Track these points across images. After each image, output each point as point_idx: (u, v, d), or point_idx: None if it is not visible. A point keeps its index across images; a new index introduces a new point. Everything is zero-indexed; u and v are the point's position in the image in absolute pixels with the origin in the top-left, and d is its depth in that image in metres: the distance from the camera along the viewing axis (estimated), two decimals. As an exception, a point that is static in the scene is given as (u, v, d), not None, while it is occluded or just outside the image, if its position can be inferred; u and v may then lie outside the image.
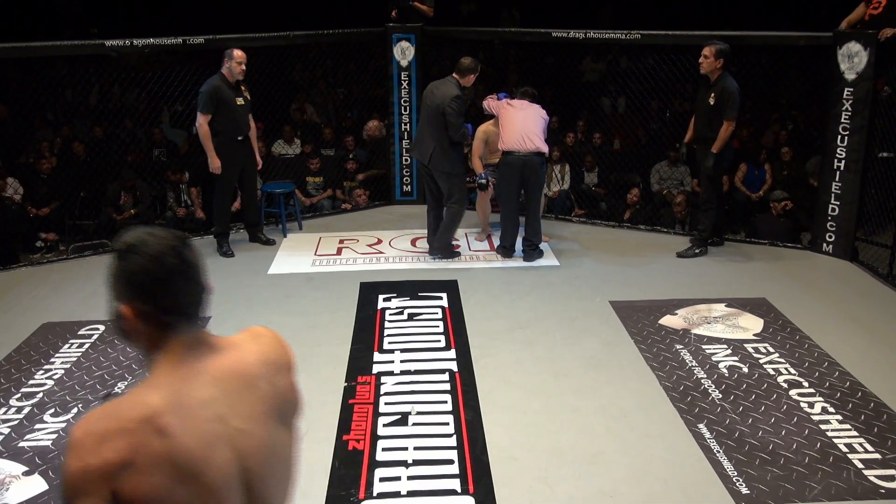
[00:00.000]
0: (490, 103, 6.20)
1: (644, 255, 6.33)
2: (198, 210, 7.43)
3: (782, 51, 7.17)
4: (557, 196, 7.88)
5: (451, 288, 5.56)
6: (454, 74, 5.87)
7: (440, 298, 5.37)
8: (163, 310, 1.39)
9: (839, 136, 6.04)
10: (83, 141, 8.20)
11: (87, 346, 4.68)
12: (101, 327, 4.94)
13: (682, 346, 4.63)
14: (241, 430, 1.41)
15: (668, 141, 7.96)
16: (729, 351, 4.56)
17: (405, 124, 7.57)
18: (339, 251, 6.45)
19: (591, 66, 10.36)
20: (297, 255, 6.34)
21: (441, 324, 4.95)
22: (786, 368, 4.36)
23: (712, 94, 5.87)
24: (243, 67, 6.01)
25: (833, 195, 6.15)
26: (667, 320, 5.00)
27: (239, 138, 6.09)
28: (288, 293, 5.55)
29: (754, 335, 4.78)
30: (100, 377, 4.27)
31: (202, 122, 5.93)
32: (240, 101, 6.06)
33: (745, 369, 4.34)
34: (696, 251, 6.24)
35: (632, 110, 8.53)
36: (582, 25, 7.03)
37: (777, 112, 9.04)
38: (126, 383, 4.22)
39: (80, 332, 4.87)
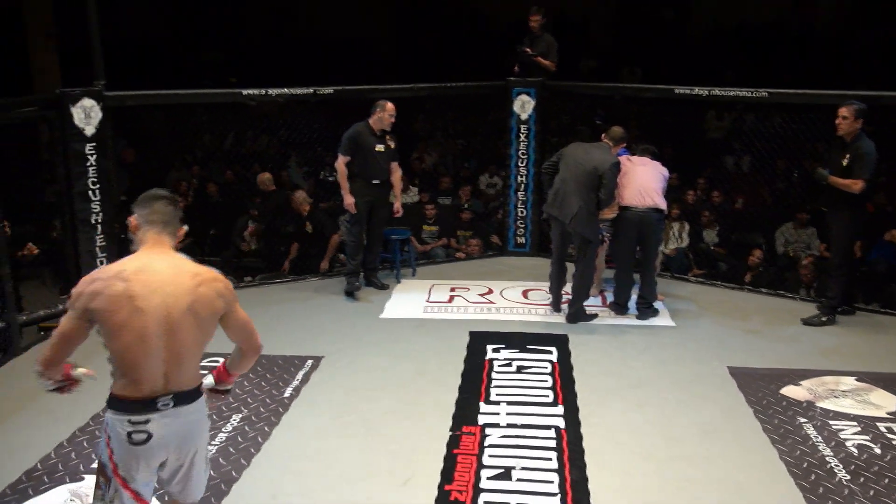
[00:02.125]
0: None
1: (766, 321, 6.04)
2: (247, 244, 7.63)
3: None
4: (674, 254, 7.67)
5: (560, 342, 5.47)
6: (605, 140, 5.88)
7: (549, 353, 5.29)
8: (145, 221, 2.56)
9: None
10: (217, 182, 8.67)
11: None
12: (221, 359, 5.13)
13: (805, 420, 4.35)
14: (171, 293, 2.45)
15: (795, 202, 7.63)
16: (858, 429, 4.25)
17: (521, 176, 7.60)
18: (450, 299, 6.50)
19: (714, 123, 10.14)
20: (409, 301, 6.43)
21: (549, 378, 4.87)
22: (924, 452, 4.02)
23: (846, 156, 5.60)
24: (393, 120, 6.35)
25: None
26: (790, 391, 4.73)
27: (374, 182, 6.33)
28: (398, 337, 5.62)
29: (888, 413, 4.44)
30: (216, 408, 4.44)
31: (339, 161, 6.32)
32: (380, 147, 6.33)
33: (877, 450, 4.03)
34: (824, 319, 5.90)
35: (756, 169, 8.25)
36: (706, 83, 6.91)
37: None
38: (241, 415, 4.37)
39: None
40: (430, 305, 6.34)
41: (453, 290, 6.73)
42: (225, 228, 7.88)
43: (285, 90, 6.72)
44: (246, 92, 6.60)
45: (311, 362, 5.13)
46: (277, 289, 6.84)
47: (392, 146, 6.44)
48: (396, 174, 6.52)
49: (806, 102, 6.57)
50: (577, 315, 5.93)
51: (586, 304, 6.01)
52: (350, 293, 6.47)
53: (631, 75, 12.96)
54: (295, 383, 4.81)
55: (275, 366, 5.05)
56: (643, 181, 5.80)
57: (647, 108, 8.30)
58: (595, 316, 6.01)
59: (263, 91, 6.62)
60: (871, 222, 6.77)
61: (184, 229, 2.63)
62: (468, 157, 9.64)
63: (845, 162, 5.60)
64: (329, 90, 6.84)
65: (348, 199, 6.30)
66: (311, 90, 6.78)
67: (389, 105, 6.33)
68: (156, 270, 2.46)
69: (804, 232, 7.58)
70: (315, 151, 7.96)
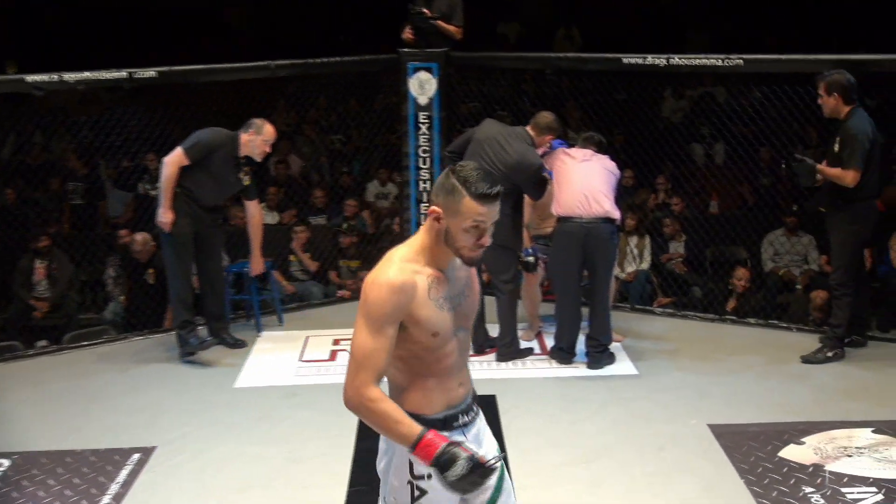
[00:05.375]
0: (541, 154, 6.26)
1: (756, 361, 6.24)
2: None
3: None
4: (634, 279, 7.85)
5: (486, 405, 5.40)
6: (530, 129, 6.05)
7: (472, 421, 5.30)
8: None
9: None
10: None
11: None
12: (6, 462, 4.95)
13: (813, 490, 4.51)
14: None
15: (785, 201, 7.94)
16: (881, 496, 4.42)
17: (424, 182, 7.65)
18: (332, 355, 6.47)
19: (671, 103, 10.49)
20: (275, 361, 6.37)
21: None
22: (963, 521, 4.23)
23: (837, 139, 5.89)
24: (268, 148, 6.36)
25: None
26: (790, 452, 4.89)
27: (205, 206, 6.31)
28: (263, 414, 5.55)
29: (916, 473, 4.66)
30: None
31: (174, 160, 6.15)
32: (237, 177, 6.31)
33: (905, 522, 4.22)
34: (829, 354, 6.15)
35: (734, 161, 8.57)
36: (664, 49, 7.14)
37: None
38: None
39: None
40: (306, 366, 6.30)
41: (337, 342, 6.71)
42: (5, 272, 7.62)
43: (87, 74, 6.61)
44: (30, 78, 6.47)
45: (137, 457, 5.00)
46: (88, 356, 6.66)
47: (247, 183, 6.43)
48: (256, 218, 6.53)
49: (792, 71, 6.86)
50: (511, 352, 6.09)
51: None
52: (189, 354, 6.32)
53: (568, 40, 13.26)
54: (115, 488, 4.68)
55: (84, 465, 4.90)
56: (587, 183, 5.92)
57: (588, 83, 8.50)
58: (530, 351, 6.26)
59: (56, 77, 6.49)
60: (882, 225, 7.09)
61: (434, 208, 2.68)
62: (350, 159, 9.65)
63: (836, 147, 5.90)
64: (151, 73, 6.77)
65: (167, 215, 6.15)
66: (124, 73, 6.68)
67: (270, 128, 6.29)
68: None
69: (798, 241, 7.89)
70: (133, 158, 7.82)
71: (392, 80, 7.71)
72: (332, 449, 5.02)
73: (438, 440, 2.56)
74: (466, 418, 2.83)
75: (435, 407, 2.75)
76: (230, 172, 6.28)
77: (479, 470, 2.54)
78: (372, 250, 8.27)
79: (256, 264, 6.62)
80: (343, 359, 6.37)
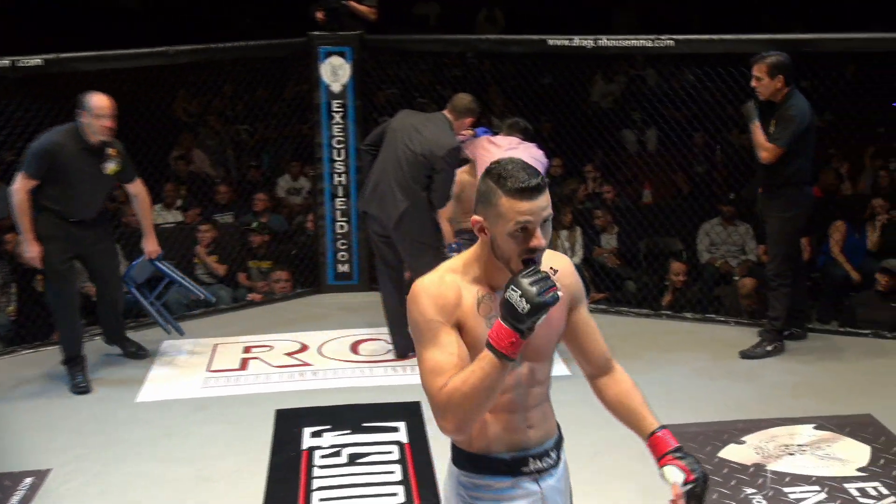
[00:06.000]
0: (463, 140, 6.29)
1: (694, 357, 6.35)
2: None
3: (876, 59, 7.39)
4: (565, 274, 7.91)
5: (412, 413, 5.50)
6: (447, 113, 6.12)
7: (396, 431, 5.32)
8: None
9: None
10: None
11: None
12: None
13: (754, 491, 4.59)
14: None
15: (721, 189, 8.07)
16: (824, 495, 4.53)
17: (339, 176, 7.62)
18: (243, 364, 6.43)
19: (604, 87, 10.61)
20: (180, 373, 6.31)
21: (399, 468, 4.89)
22: (908, 518, 4.35)
23: (773, 122, 6.01)
24: (106, 123, 5.81)
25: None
26: (730, 452, 4.97)
27: (74, 220, 5.97)
28: (168, 430, 5.49)
29: (858, 470, 4.76)
30: None
31: (19, 187, 5.80)
32: (104, 167, 5.94)
33: (849, 522, 4.32)
34: (768, 348, 6.27)
35: (667, 147, 8.70)
36: (591, 31, 7.20)
37: (874, 145, 9.24)
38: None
39: None
40: (214, 377, 6.25)
41: (248, 349, 6.67)
42: None
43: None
44: None
45: (29, 481, 4.90)
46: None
47: (120, 167, 6.03)
48: (141, 198, 6.25)
49: (725, 52, 6.97)
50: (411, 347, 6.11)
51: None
52: (81, 392, 6.04)
53: (490, 21, 13.34)
54: (6, 516, 4.60)
55: (-29, 491, 4.80)
56: (512, 172, 5.95)
57: (512, 67, 8.55)
58: None
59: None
60: (821, 213, 7.26)
61: (476, 217, 2.45)
62: (258, 152, 9.57)
63: (772, 129, 6.01)
64: (37, 60, 6.63)
65: (33, 249, 5.84)
66: (7, 61, 6.55)
67: (97, 101, 5.78)
68: None
69: (735, 230, 8.03)
70: (19, 153, 7.65)
71: (302, 66, 7.66)
72: (245, 465, 4.99)
73: (496, 327, 2.30)
74: (540, 464, 2.64)
75: (496, 445, 2.57)
76: (88, 169, 5.89)
77: (528, 281, 2.26)
78: (285, 249, 8.21)
79: (151, 245, 6.34)
80: (255, 367, 6.34)
